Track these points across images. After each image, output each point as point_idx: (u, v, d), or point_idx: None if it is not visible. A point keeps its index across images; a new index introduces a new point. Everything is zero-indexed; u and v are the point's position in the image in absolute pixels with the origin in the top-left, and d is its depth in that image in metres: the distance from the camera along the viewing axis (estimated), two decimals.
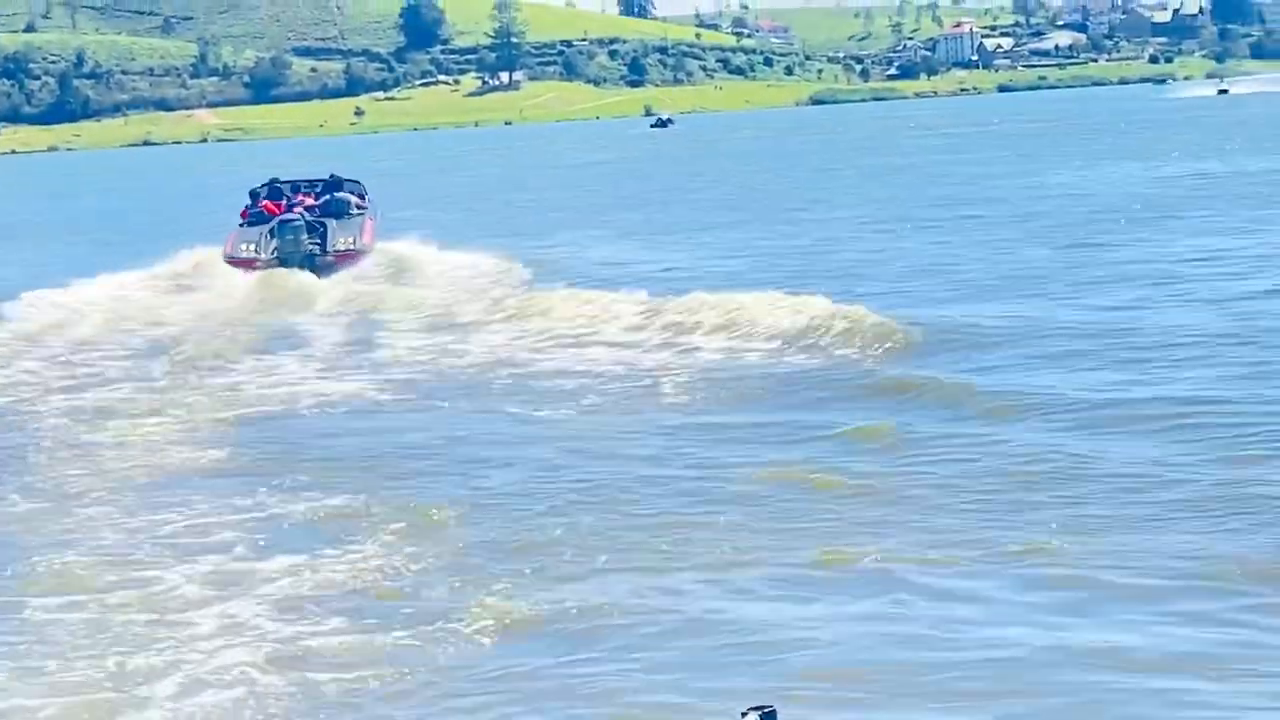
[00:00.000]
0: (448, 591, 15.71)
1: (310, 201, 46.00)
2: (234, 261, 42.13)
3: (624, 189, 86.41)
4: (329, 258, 42.91)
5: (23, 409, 28.49)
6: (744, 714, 4.50)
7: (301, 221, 43.16)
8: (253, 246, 42.76)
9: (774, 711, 4.45)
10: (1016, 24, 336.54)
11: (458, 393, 28.70)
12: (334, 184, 49.07)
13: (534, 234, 58.14)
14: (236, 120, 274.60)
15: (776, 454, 20.99)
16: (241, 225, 44.86)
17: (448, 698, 12.43)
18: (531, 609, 14.33)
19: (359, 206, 46.58)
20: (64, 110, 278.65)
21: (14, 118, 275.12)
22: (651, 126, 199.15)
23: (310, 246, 42.40)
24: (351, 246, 43.11)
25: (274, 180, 49.81)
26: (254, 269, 41.66)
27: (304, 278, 41.40)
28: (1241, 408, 21.22)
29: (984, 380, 24.93)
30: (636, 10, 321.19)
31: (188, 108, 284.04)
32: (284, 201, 46.18)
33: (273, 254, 42.11)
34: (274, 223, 43.08)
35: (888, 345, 28.63)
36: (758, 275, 40.13)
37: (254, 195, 48.28)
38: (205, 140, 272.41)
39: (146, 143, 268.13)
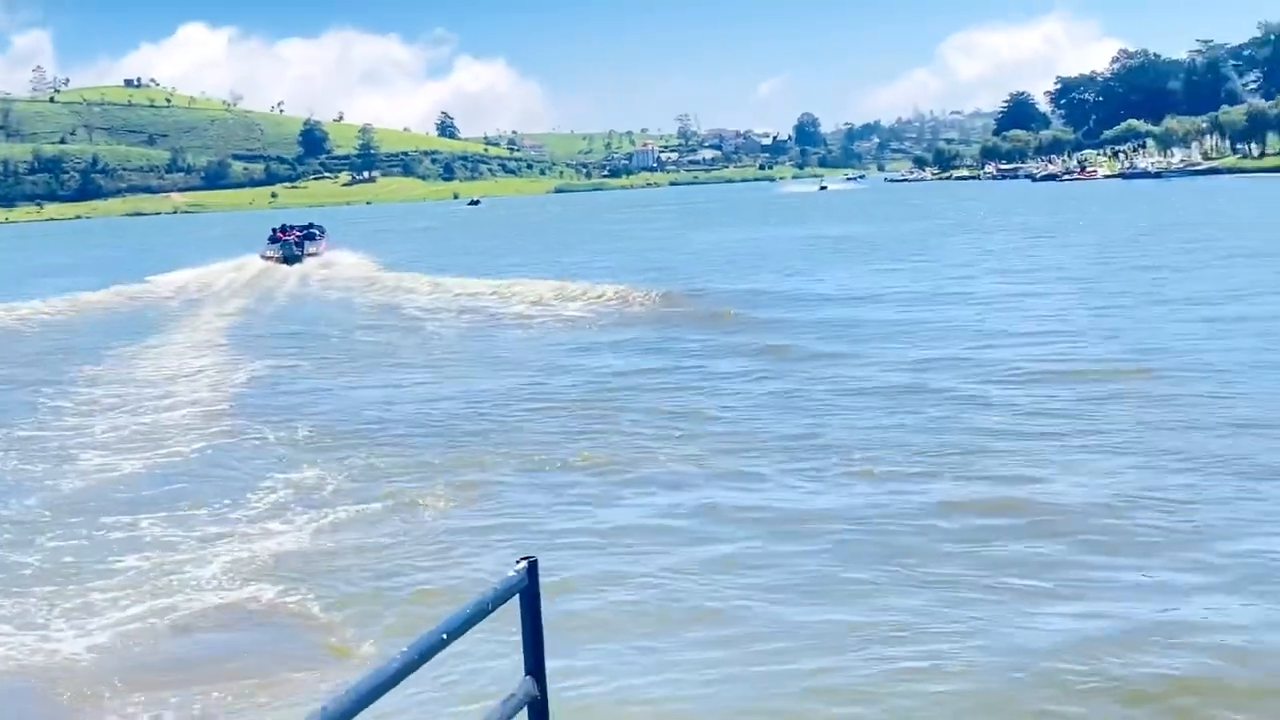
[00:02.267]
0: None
1: (296, 234, 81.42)
2: (264, 258, 76.72)
3: (454, 238, 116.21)
4: (303, 256, 78.19)
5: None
6: (517, 562, 4.74)
7: (291, 241, 78.98)
8: (271, 251, 77.80)
9: (535, 561, 4.66)
10: (680, 144, 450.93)
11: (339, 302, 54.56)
12: (310, 226, 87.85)
13: (402, 258, 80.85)
14: (196, 200, 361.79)
15: (610, 361, 31.43)
16: (268, 242, 79.89)
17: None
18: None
19: (320, 235, 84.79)
20: (84, 193, 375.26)
21: (51, 198, 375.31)
22: (468, 205, 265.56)
23: (295, 251, 77.06)
24: (314, 253, 79.31)
25: (281, 225, 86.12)
26: (271, 261, 76.48)
27: (290, 266, 75.88)
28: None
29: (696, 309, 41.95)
30: (448, 133, 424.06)
31: (164, 191, 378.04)
32: (285, 233, 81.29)
33: (279, 255, 76.81)
34: (280, 241, 79.07)
35: (637, 301, 45.15)
36: (546, 276, 58.16)
37: (273, 230, 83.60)
38: (175, 212, 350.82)
39: (138, 214, 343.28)
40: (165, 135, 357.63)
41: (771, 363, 30.09)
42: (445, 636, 3.59)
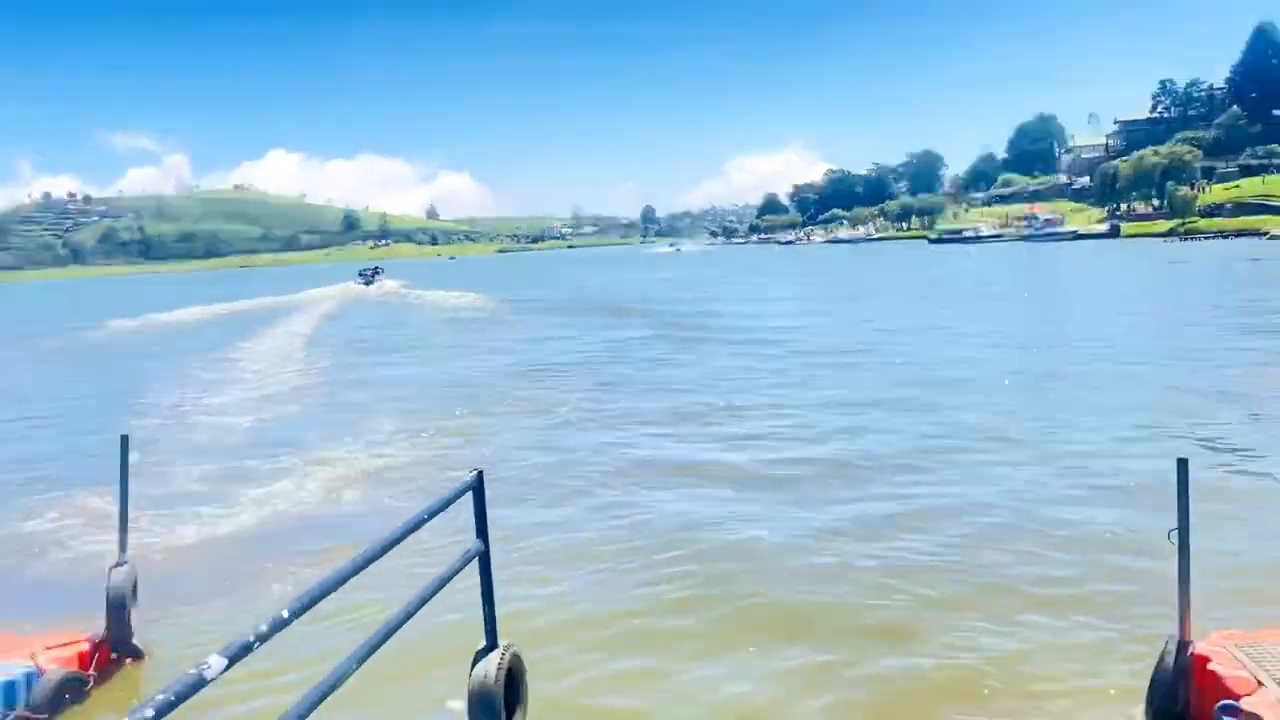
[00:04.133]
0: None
1: (370, 271, 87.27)
2: (355, 283, 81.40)
3: (447, 275, 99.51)
4: (374, 281, 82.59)
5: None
6: (470, 472, 4.14)
7: (369, 273, 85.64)
8: (359, 279, 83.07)
9: (482, 471, 4.13)
10: (573, 222, 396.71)
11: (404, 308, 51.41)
12: (376, 268, 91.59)
13: (416, 283, 77.03)
14: (279, 259, 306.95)
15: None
16: (357, 275, 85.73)
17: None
18: None
19: (381, 272, 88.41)
20: (209, 255, 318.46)
21: (189, 257, 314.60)
22: (448, 260, 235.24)
23: (370, 279, 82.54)
24: (378, 281, 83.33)
25: (362, 269, 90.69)
26: (359, 283, 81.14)
27: (368, 286, 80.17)
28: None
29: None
30: (433, 216, 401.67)
31: (259, 254, 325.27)
32: (365, 272, 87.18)
33: (363, 281, 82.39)
34: (363, 274, 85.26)
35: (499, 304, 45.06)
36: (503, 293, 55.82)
37: (361, 270, 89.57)
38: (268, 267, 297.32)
39: (245, 266, 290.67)
40: (259, 218, 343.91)
41: (658, 329, 29.12)
42: (427, 516, 3.58)
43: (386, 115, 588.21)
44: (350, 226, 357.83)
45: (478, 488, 4.08)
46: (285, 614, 2.79)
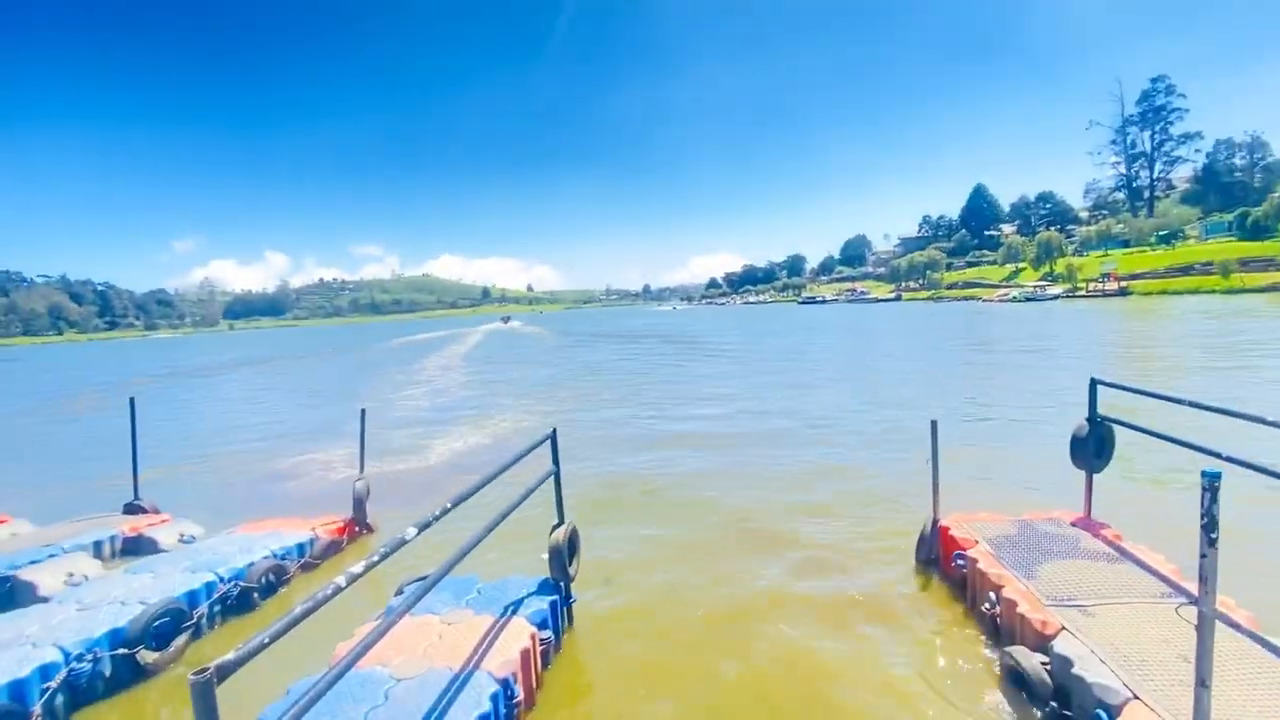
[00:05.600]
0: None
1: (507, 315, 76.46)
2: (500, 322, 71.70)
3: (537, 322, 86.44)
4: (509, 321, 74.65)
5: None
6: (551, 430, 3.52)
7: (506, 316, 75.53)
8: (500, 320, 73.43)
9: (555, 429, 3.59)
10: (605, 292, 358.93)
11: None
12: (509, 316, 79.91)
13: (532, 324, 70.27)
14: (448, 314, 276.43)
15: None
16: (500, 319, 76.00)
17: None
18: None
19: (512, 317, 77.60)
20: (410, 310, 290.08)
21: (395, 312, 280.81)
22: (539, 313, 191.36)
23: (507, 321, 72.97)
24: (513, 322, 73.69)
25: (503, 315, 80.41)
26: (501, 323, 71.20)
27: (506, 325, 70.58)
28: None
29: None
30: (530, 289, 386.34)
31: (434, 310, 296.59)
32: (505, 317, 76.82)
33: (503, 321, 72.81)
34: (504, 316, 75.67)
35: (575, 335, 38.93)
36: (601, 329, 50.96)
37: (502, 317, 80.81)
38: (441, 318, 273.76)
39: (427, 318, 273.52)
40: (435, 290, 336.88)
41: (672, 346, 28.14)
42: (526, 452, 3.15)
43: (508, 232, 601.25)
44: (485, 295, 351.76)
45: (553, 437, 3.94)
46: (449, 505, 2.79)
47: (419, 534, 2.55)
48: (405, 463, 8.84)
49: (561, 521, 4.18)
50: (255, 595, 4.68)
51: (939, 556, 4.72)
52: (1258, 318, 25.16)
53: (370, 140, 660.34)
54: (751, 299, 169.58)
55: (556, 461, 3.93)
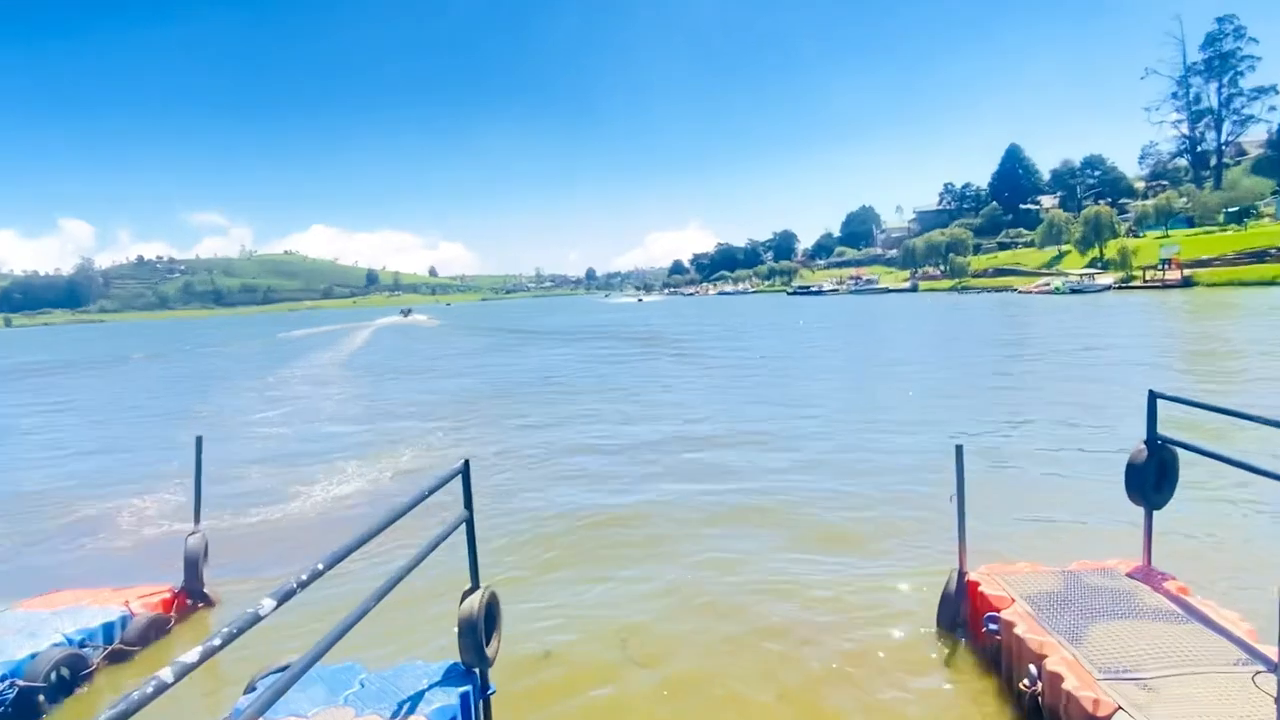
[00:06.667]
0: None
1: (407, 309, 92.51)
2: (399, 317, 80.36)
3: (446, 314, 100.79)
4: (409, 315, 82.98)
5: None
6: (460, 461, 3.67)
7: (407, 310, 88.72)
8: (401, 315, 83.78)
9: (468, 460, 3.72)
10: (535, 279, 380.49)
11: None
12: (410, 309, 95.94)
13: (433, 318, 73.22)
14: (316, 305, 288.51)
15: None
16: (399, 312, 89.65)
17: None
18: None
19: (412, 310, 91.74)
20: (265, 302, 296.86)
21: (249, 303, 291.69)
22: (446, 306, 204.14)
23: (407, 314, 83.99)
24: (412, 315, 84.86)
25: (402, 308, 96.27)
26: (402, 317, 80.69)
27: (406, 318, 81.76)
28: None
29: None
30: (433, 274, 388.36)
31: (300, 301, 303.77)
32: (406, 310, 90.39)
33: (404, 315, 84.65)
34: (403, 311, 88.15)
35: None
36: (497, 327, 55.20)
37: (401, 309, 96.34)
38: (308, 310, 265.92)
39: (291, 310, 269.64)
40: (300, 274, 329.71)
41: (605, 342, 30.18)
42: (428, 491, 3.10)
43: (402, 198, 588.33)
44: (371, 282, 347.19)
45: (465, 472, 3.87)
46: (320, 566, 2.70)
47: (278, 606, 2.45)
48: (260, 511, 8.71)
49: (476, 586, 4.11)
50: (40, 699, 4.46)
51: (966, 619, 4.85)
52: None
53: (211, 62, 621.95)
54: (728, 288, 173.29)
55: (470, 505, 3.89)
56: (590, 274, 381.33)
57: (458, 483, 3.80)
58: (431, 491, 3.43)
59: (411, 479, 9.82)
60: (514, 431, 12.93)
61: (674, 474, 9.34)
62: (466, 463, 3.89)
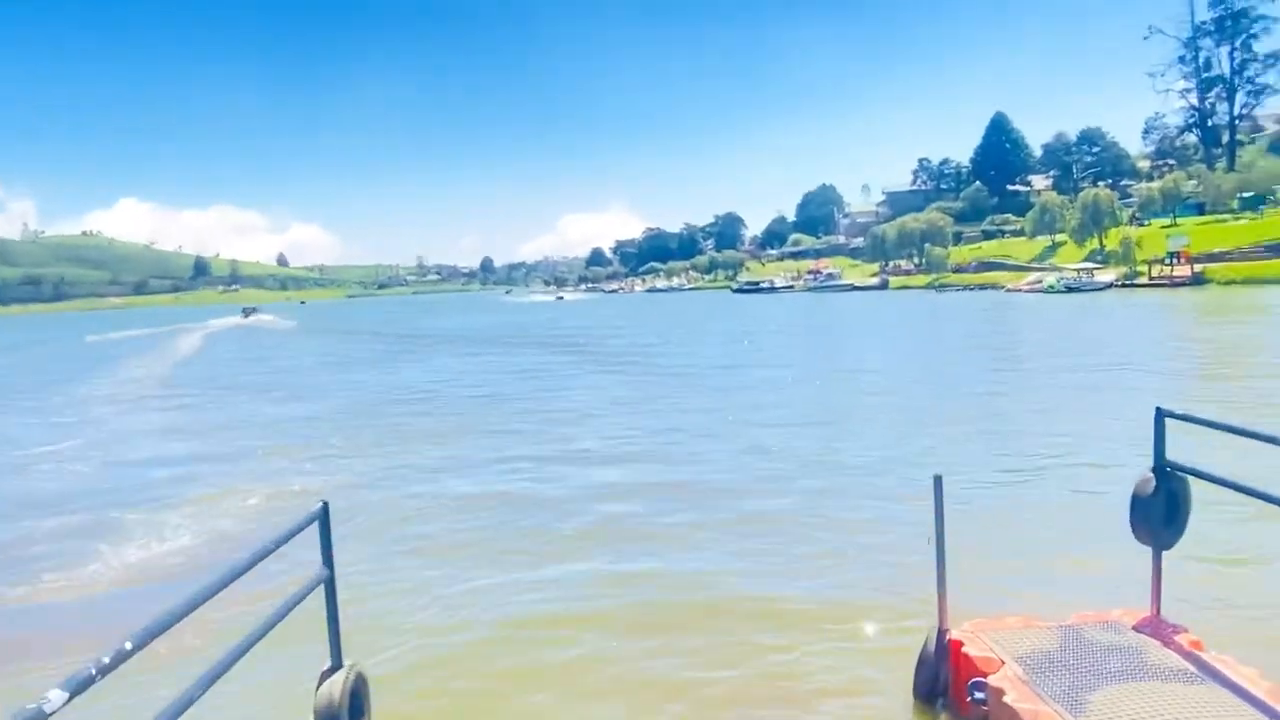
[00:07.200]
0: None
1: (250, 309, 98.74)
2: (241, 318, 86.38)
3: (300, 315, 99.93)
4: (251, 315, 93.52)
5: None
6: (319, 503, 3.78)
7: (249, 309, 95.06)
8: (243, 315, 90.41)
9: (327, 502, 3.77)
10: (418, 270, 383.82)
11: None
12: (255, 307, 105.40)
13: (281, 318, 70.99)
14: (128, 302, 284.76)
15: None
16: (241, 312, 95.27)
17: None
18: None
19: (257, 309, 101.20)
20: (56, 299, 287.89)
21: (34, 300, 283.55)
22: (300, 304, 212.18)
23: (249, 314, 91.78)
24: (256, 316, 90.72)
25: (246, 307, 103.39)
26: (243, 317, 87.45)
27: (247, 319, 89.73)
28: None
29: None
30: (284, 264, 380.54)
31: (106, 297, 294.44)
32: (250, 309, 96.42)
33: (246, 316, 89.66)
34: (245, 310, 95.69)
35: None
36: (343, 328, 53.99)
37: (244, 309, 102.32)
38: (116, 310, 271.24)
39: (92, 309, 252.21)
40: (105, 263, 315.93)
41: (489, 347, 30.97)
42: (273, 546, 3.20)
43: (244, 169, 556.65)
44: (201, 272, 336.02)
45: (323, 518, 3.80)
46: (128, 645, 2.57)
47: (71, 699, 2.33)
48: (48, 578, 8.44)
49: (338, 665, 4.01)
50: None
51: (948, 686, 4.93)
52: None
53: None
54: (660, 284, 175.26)
55: (330, 561, 3.83)
56: (487, 265, 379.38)
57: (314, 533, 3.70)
58: (277, 545, 3.32)
59: (260, 528, 9.61)
60: (391, 470, 12.79)
61: (598, 542, 8.95)
62: (325, 507, 3.80)
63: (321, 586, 3.81)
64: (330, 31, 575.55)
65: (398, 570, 8.13)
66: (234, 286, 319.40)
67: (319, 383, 26.94)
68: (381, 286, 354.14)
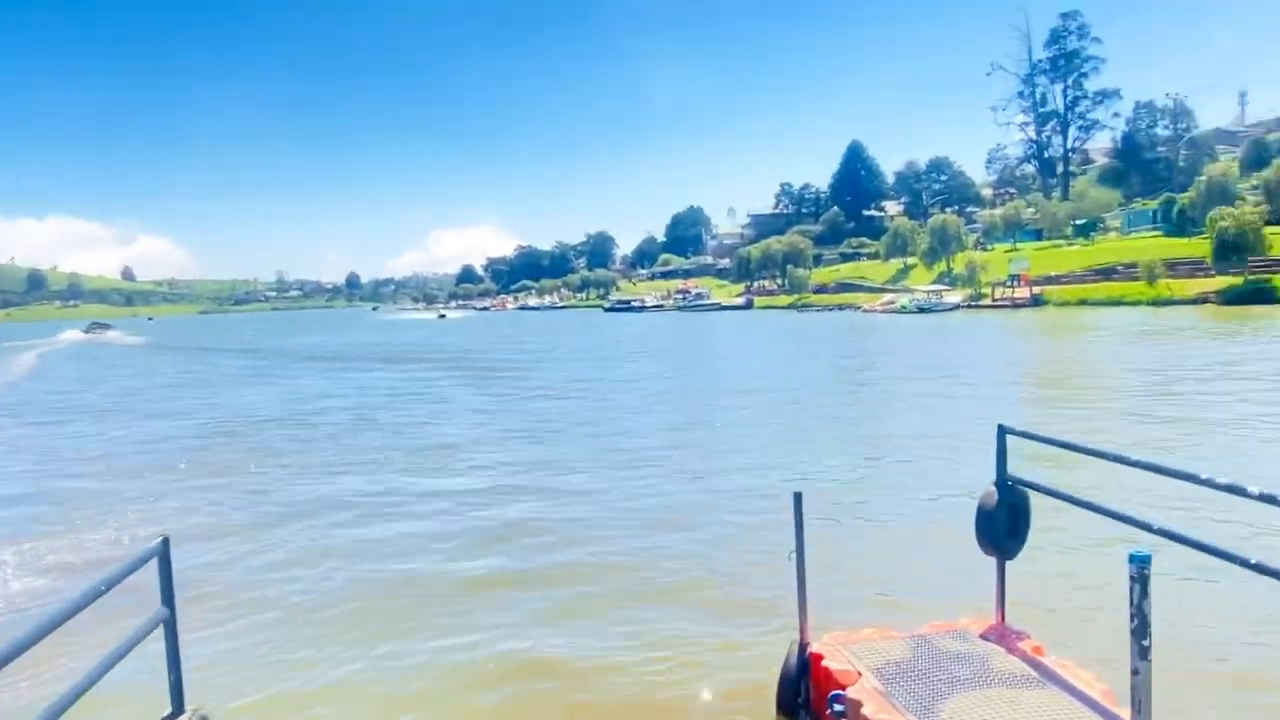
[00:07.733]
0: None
1: (103, 325, 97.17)
2: (87, 331, 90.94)
3: (145, 330, 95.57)
4: (105, 331, 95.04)
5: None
6: (157, 539, 3.62)
7: (100, 324, 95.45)
8: (94, 330, 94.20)
9: (168, 537, 3.59)
10: (278, 286, 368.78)
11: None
12: (107, 323, 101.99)
13: (129, 334, 72.89)
14: None
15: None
16: (93, 325, 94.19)
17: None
18: None
19: (110, 326, 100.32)
20: None
21: None
22: (148, 320, 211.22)
23: (101, 329, 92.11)
24: (108, 331, 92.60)
25: (95, 321, 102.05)
26: (93, 333, 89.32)
27: (100, 335, 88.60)
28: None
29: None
30: (130, 278, 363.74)
31: None
32: (99, 325, 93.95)
33: (97, 331, 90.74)
34: (95, 325, 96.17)
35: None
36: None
37: (93, 323, 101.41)
38: None
39: None
40: None
41: (350, 366, 31.47)
42: (105, 588, 3.01)
43: (81, 174, 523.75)
44: (36, 286, 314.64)
45: (163, 553, 3.62)
46: None
47: None
48: None
49: (179, 710, 3.76)
50: None
51: (809, 699, 5.00)
52: (1189, 338, 31.84)
53: None
54: (532, 302, 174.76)
55: (170, 600, 3.65)
56: (353, 281, 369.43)
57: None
58: (112, 584, 3.14)
59: (97, 568, 8.97)
60: (253, 500, 12.39)
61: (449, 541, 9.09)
62: (166, 541, 3.64)
63: (161, 627, 3.62)
64: (188, 29, 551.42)
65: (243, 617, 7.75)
66: (73, 302, 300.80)
67: (179, 406, 25.66)
68: (238, 302, 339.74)
